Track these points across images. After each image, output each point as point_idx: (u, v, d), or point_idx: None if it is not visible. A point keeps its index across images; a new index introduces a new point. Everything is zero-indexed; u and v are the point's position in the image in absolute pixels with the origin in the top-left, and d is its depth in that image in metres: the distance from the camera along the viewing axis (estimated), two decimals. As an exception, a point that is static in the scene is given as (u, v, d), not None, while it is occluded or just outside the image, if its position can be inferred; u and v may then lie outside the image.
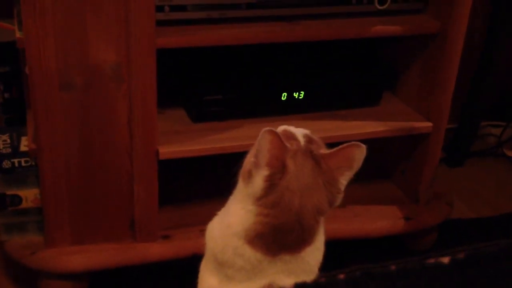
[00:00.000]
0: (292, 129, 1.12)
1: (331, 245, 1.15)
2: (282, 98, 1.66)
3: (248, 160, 1.08)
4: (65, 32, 1.34)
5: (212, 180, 1.83)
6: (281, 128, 1.12)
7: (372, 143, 1.41)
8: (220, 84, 1.64)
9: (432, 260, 0.75)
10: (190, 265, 1.24)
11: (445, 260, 0.76)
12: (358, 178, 1.09)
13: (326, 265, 1.12)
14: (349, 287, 0.71)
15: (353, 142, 1.06)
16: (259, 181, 1.04)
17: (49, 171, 1.47)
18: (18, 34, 1.37)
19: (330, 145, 1.12)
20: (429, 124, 1.71)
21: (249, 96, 1.65)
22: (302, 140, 1.08)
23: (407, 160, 1.84)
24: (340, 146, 1.07)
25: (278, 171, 1.03)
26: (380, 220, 1.75)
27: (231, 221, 1.09)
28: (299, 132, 1.11)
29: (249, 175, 1.06)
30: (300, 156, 1.06)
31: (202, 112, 1.62)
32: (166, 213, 1.67)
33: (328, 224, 1.12)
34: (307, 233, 1.07)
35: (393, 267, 0.75)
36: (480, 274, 0.78)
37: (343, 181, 1.08)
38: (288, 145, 1.05)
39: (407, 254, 1.84)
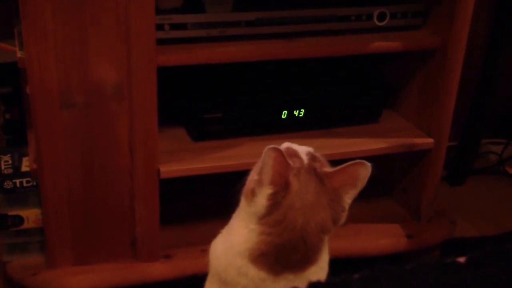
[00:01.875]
0: (295, 146, 1.12)
1: (332, 263, 1.14)
2: (282, 116, 1.66)
3: (251, 178, 1.08)
4: (66, 51, 1.35)
5: (214, 198, 1.82)
6: (284, 146, 1.11)
7: (373, 160, 1.41)
8: (220, 103, 1.64)
9: (448, 260, 0.75)
10: (192, 285, 1.24)
11: (461, 259, 0.76)
12: (360, 196, 1.08)
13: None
14: (364, 285, 0.71)
15: (358, 160, 1.06)
16: (262, 199, 1.04)
17: (50, 191, 1.46)
18: (19, 54, 1.38)
19: (331, 163, 1.12)
20: (430, 140, 1.71)
21: (249, 114, 1.65)
22: (305, 158, 1.08)
23: (408, 177, 1.83)
24: (345, 164, 1.06)
25: (281, 189, 1.03)
26: (382, 238, 1.74)
27: (234, 240, 1.09)
28: (302, 150, 1.11)
29: (252, 194, 1.05)
30: (303, 174, 1.05)
31: (203, 131, 1.62)
32: (167, 232, 1.66)
33: (330, 242, 1.11)
34: (311, 252, 1.06)
35: (407, 266, 0.75)
36: (497, 272, 0.77)
37: (348, 199, 1.08)
38: (291, 162, 1.04)
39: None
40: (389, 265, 0.75)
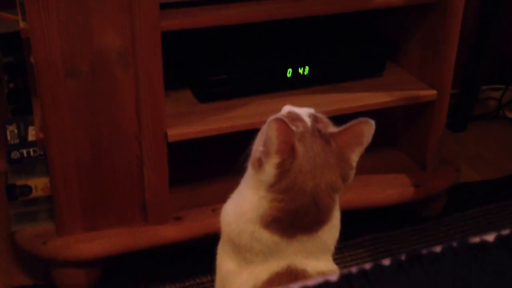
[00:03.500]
0: (297, 110, 1.11)
1: (342, 216, 1.15)
2: (287, 74, 1.66)
3: (257, 148, 1.07)
4: (69, 19, 1.33)
5: (221, 158, 1.83)
6: (285, 110, 1.11)
7: (377, 112, 1.42)
8: (225, 63, 1.63)
9: (477, 239, 0.74)
10: (204, 246, 1.25)
11: (490, 238, 0.76)
12: (366, 148, 1.09)
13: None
14: (396, 272, 0.71)
15: (361, 119, 1.06)
16: (270, 169, 1.04)
17: (58, 159, 1.46)
18: (21, 24, 1.36)
19: (337, 118, 1.12)
20: (433, 92, 1.72)
21: (254, 74, 1.64)
22: (308, 121, 1.08)
23: (413, 128, 1.84)
24: (349, 123, 1.06)
25: (288, 156, 1.03)
26: (389, 188, 1.76)
27: (246, 208, 1.09)
28: (305, 112, 1.10)
29: (259, 163, 1.05)
30: (308, 137, 1.05)
31: (209, 92, 1.61)
32: (176, 195, 1.66)
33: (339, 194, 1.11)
34: (323, 212, 1.07)
35: (438, 249, 0.75)
36: None
37: (354, 157, 1.08)
38: (294, 128, 1.04)
39: (418, 220, 1.86)
40: (419, 249, 0.75)
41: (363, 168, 1.15)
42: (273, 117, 1.02)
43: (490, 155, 2.20)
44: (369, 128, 1.06)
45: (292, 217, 1.05)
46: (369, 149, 1.09)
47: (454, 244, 0.75)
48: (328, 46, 1.74)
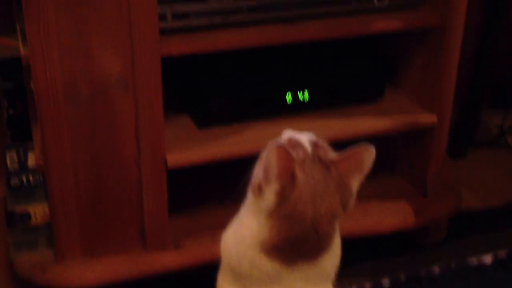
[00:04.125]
0: (297, 135, 1.11)
1: (343, 244, 1.15)
2: (287, 99, 1.66)
3: (257, 174, 1.07)
4: (69, 44, 1.34)
5: (221, 185, 1.82)
6: (286, 136, 1.11)
7: (378, 138, 1.42)
8: (224, 88, 1.64)
9: (474, 260, 0.74)
10: (204, 273, 1.24)
11: (488, 259, 0.76)
12: (366, 174, 1.09)
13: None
14: None
15: (361, 145, 1.06)
16: (270, 195, 1.04)
17: (57, 186, 1.46)
18: (22, 51, 1.37)
19: (336, 144, 1.12)
20: (433, 116, 1.72)
21: (254, 99, 1.65)
22: (308, 147, 1.08)
23: (413, 153, 1.84)
24: (349, 150, 1.06)
25: (288, 183, 1.03)
26: (390, 216, 1.75)
27: (245, 235, 1.09)
28: (305, 138, 1.10)
29: (259, 190, 1.05)
30: (308, 164, 1.05)
31: (208, 118, 1.61)
32: (176, 221, 1.66)
33: (339, 222, 1.11)
34: (324, 240, 1.07)
35: (436, 270, 0.75)
36: None
37: (355, 184, 1.08)
38: (294, 154, 1.04)
39: (419, 247, 1.85)
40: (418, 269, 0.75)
41: (363, 194, 1.15)
42: (274, 143, 1.02)
43: (492, 182, 2.19)
44: (369, 154, 1.06)
45: (292, 244, 1.05)
46: (368, 176, 1.08)
47: (453, 265, 0.75)
48: (327, 71, 1.74)
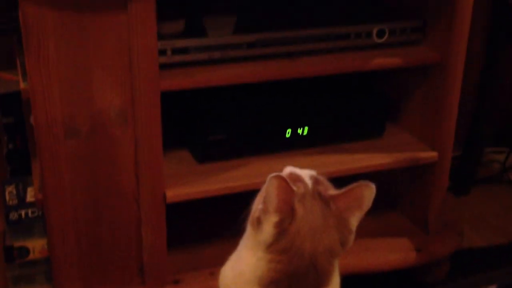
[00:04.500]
0: (298, 171, 1.11)
1: (343, 281, 1.13)
2: (287, 135, 1.66)
3: (256, 207, 1.07)
4: (69, 80, 1.35)
5: (220, 220, 1.81)
6: (287, 171, 1.11)
7: (378, 174, 1.41)
8: (224, 124, 1.64)
9: None
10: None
11: None
12: (367, 211, 1.08)
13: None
14: None
15: (361, 182, 1.05)
16: (268, 227, 1.03)
17: (56, 220, 1.45)
18: (22, 85, 1.38)
19: (337, 180, 1.12)
20: (434, 153, 1.71)
21: (253, 134, 1.65)
22: (309, 182, 1.08)
23: (414, 190, 1.83)
24: (349, 186, 1.06)
25: (287, 216, 1.03)
26: (391, 253, 1.74)
27: (244, 269, 1.08)
28: (306, 173, 1.10)
29: (258, 222, 1.05)
30: (308, 199, 1.05)
31: (207, 153, 1.62)
32: (175, 257, 1.65)
33: (339, 259, 1.10)
34: (322, 276, 1.06)
35: None
36: None
37: (354, 221, 1.07)
38: (295, 188, 1.04)
39: (420, 286, 1.83)
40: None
41: (364, 231, 1.15)
42: (273, 174, 1.01)
43: (494, 220, 2.18)
44: (369, 192, 1.05)
45: (290, 280, 1.04)
46: (369, 212, 1.08)
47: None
48: (327, 107, 1.75)
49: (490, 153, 2.43)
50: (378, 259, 1.72)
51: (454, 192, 2.28)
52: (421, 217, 1.82)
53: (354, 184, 1.06)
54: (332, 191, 1.08)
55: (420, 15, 1.70)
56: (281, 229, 1.03)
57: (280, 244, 1.03)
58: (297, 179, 1.08)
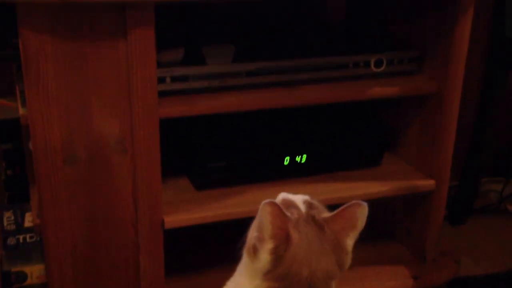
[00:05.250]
0: (291, 196, 1.12)
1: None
2: (285, 163, 1.67)
3: (251, 235, 1.07)
4: (68, 107, 1.36)
5: (218, 247, 1.82)
6: (280, 197, 1.12)
7: (376, 203, 1.42)
8: (222, 151, 1.65)
9: None
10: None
11: None
12: (364, 239, 1.09)
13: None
14: None
15: (353, 202, 1.06)
16: (264, 255, 1.04)
17: (54, 246, 1.45)
18: (21, 111, 1.39)
19: (334, 207, 1.12)
20: (432, 181, 1.72)
21: (252, 162, 1.66)
22: (302, 207, 1.08)
23: (411, 219, 1.84)
24: (341, 207, 1.07)
25: (282, 242, 1.03)
26: (388, 280, 1.74)
27: None
28: (299, 198, 1.11)
29: (254, 250, 1.05)
30: (302, 224, 1.05)
31: (206, 180, 1.62)
32: (173, 284, 1.65)
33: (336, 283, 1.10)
34: None
35: None
36: None
37: (349, 241, 1.08)
38: (289, 214, 1.05)
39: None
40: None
41: (361, 259, 1.16)
42: (266, 201, 1.02)
43: (491, 249, 2.18)
44: (362, 210, 1.06)
45: None
46: (367, 240, 1.08)
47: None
48: (326, 135, 1.75)
49: (487, 183, 2.44)
50: (375, 287, 1.72)
51: (451, 222, 2.29)
52: (418, 246, 1.82)
53: (346, 205, 1.06)
54: (326, 214, 1.09)
55: (418, 46, 1.71)
56: (277, 256, 1.03)
57: (277, 271, 1.03)
58: (290, 204, 1.09)
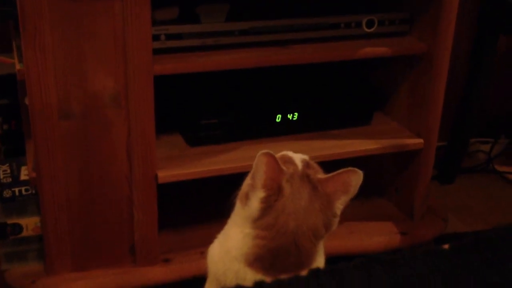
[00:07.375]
0: (290, 154, 1.13)
1: (328, 262, 1.14)
2: (277, 120, 1.69)
3: (246, 183, 1.10)
4: (64, 63, 1.37)
5: (211, 202, 1.83)
6: (280, 153, 1.14)
7: (365, 161, 1.44)
8: (215, 108, 1.67)
9: (434, 247, 0.81)
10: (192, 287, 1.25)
11: (446, 246, 0.82)
12: (354, 197, 1.11)
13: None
14: (357, 270, 0.77)
15: (350, 168, 1.07)
16: (255, 202, 1.06)
17: (49, 199, 1.48)
18: (18, 66, 1.40)
19: (325, 164, 1.14)
20: (420, 140, 1.75)
21: (244, 119, 1.68)
22: (299, 165, 1.10)
23: (400, 177, 1.87)
24: (338, 171, 1.08)
25: (273, 193, 1.05)
26: (376, 235, 1.78)
27: (230, 246, 1.10)
28: (298, 157, 1.13)
29: (246, 198, 1.07)
30: (297, 179, 1.07)
31: (199, 136, 1.64)
32: (166, 237, 1.68)
33: (325, 241, 1.13)
34: (304, 256, 1.08)
35: (398, 254, 0.81)
36: (480, 258, 0.84)
37: (339, 205, 1.09)
38: (284, 168, 1.06)
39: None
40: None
41: (350, 215, 1.17)
42: (263, 151, 1.04)
43: (478, 208, 2.21)
44: (356, 178, 1.07)
45: (274, 257, 1.06)
46: (356, 198, 1.10)
47: (415, 250, 0.81)
48: (317, 94, 1.78)
49: (476, 143, 2.46)
50: (364, 241, 1.76)
51: (440, 181, 2.31)
52: (406, 203, 1.85)
53: (343, 170, 1.08)
54: (321, 175, 1.11)
55: (409, 7, 1.73)
56: (267, 205, 1.05)
57: (265, 220, 1.05)
58: (288, 160, 1.10)
